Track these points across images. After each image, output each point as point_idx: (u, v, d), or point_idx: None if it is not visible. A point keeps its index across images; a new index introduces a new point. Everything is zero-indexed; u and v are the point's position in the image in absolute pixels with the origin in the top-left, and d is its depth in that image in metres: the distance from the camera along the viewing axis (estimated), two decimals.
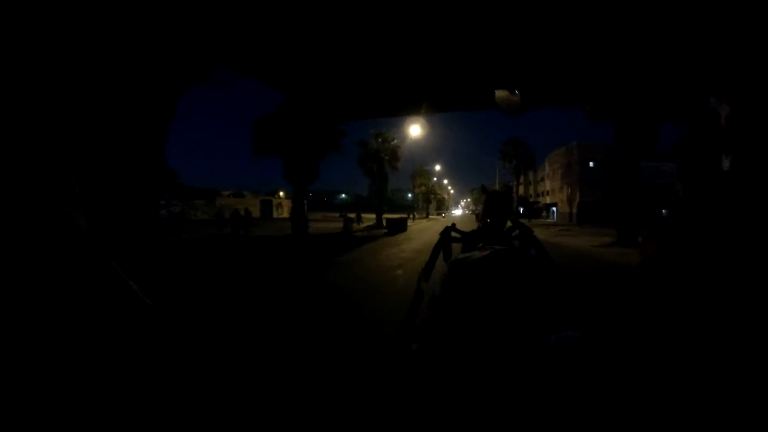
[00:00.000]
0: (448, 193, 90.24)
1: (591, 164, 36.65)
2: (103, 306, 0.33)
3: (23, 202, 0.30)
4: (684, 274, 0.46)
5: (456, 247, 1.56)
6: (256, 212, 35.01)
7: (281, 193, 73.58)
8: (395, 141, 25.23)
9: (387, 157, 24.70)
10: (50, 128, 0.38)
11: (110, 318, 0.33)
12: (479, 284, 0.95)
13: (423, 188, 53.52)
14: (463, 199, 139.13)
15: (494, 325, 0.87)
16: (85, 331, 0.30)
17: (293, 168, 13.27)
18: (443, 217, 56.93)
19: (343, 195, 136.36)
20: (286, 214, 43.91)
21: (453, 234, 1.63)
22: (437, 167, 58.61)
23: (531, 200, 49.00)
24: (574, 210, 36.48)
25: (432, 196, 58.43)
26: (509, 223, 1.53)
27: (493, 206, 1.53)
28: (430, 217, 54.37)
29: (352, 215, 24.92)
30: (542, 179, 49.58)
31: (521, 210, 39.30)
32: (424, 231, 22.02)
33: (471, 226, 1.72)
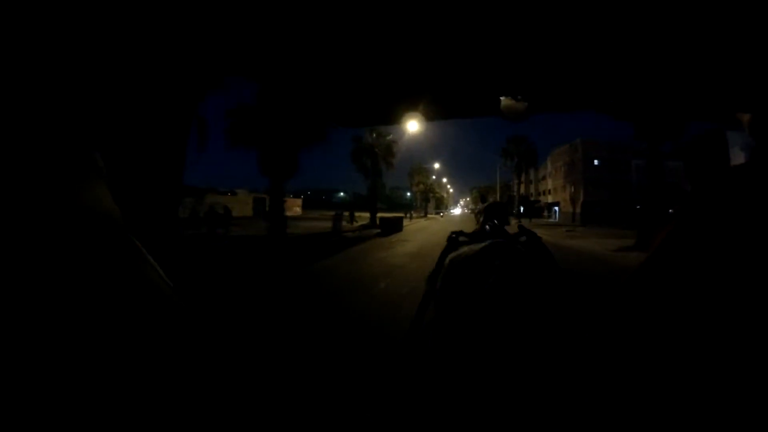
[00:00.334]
0: (448, 192, 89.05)
1: (596, 162, 35.36)
2: (131, 290, 0.33)
3: (49, 180, 0.29)
4: (695, 270, 0.44)
5: None
6: (248, 211, 33.62)
7: None
8: (391, 136, 23.76)
9: (381, 153, 23.16)
10: (78, 113, 0.38)
11: (137, 303, 0.33)
12: (475, 275, 0.95)
13: (421, 186, 52.28)
14: (462, 198, 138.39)
15: (493, 317, 0.86)
16: (111, 316, 0.29)
17: (270, 161, 11.70)
18: (441, 216, 55.40)
19: (342, 193, 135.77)
20: None
21: (461, 239, 1.57)
22: (436, 165, 57.45)
23: (532, 199, 47.83)
24: (578, 210, 35.26)
25: (431, 194, 57.14)
26: (516, 228, 1.57)
27: (492, 214, 1.66)
28: (429, 216, 53.02)
29: (345, 213, 23.53)
30: (543, 178, 48.32)
31: (521, 209, 38.12)
32: (420, 231, 20.55)
33: (471, 225, 1.79)
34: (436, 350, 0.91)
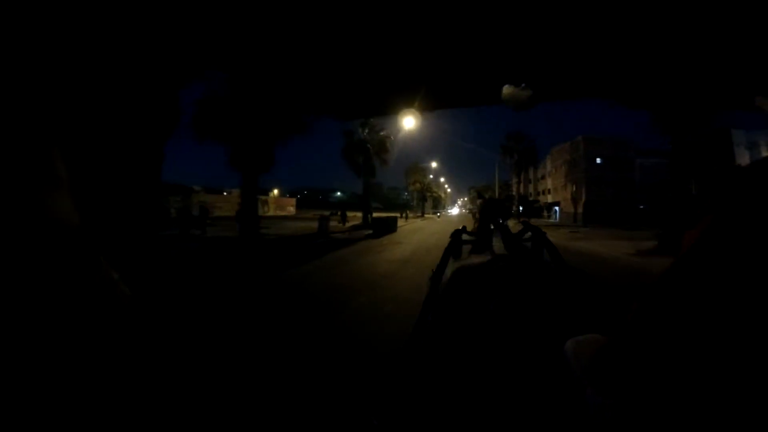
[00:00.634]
0: (445, 192, 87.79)
1: (598, 160, 34.23)
2: (87, 302, 0.32)
3: None
4: (735, 273, 0.41)
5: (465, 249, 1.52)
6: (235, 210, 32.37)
7: (275, 191, 71.49)
8: (384, 131, 22.43)
9: (374, 149, 21.81)
10: (37, 111, 0.35)
11: (93, 314, 0.32)
12: (479, 290, 0.96)
13: (418, 186, 51.10)
14: (460, 198, 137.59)
15: (495, 331, 0.87)
16: (65, 328, 0.29)
17: (241, 153, 10.27)
18: (439, 217, 53.89)
19: (339, 193, 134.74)
20: (272, 212, 41.31)
21: (464, 237, 1.58)
22: (433, 164, 56.24)
23: (531, 199, 46.73)
24: (580, 210, 34.15)
25: (428, 194, 55.90)
26: (520, 226, 1.54)
27: (489, 209, 1.62)
28: (426, 216, 51.69)
29: (329, 213, 22.22)
30: (543, 177, 47.18)
31: (520, 209, 36.95)
32: (415, 232, 19.24)
33: (469, 226, 1.74)
34: (435, 356, 0.91)
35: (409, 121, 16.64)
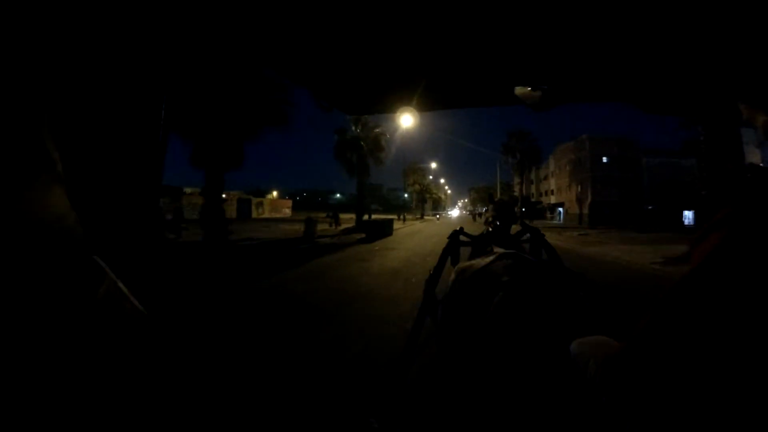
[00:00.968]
0: (445, 193, 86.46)
1: (604, 160, 32.95)
2: (83, 305, 0.31)
3: None
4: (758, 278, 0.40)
5: (464, 251, 1.53)
6: (232, 212, 31.14)
7: (274, 193, 70.19)
8: (379, 128, 21.16)
9: (368, 147, 20.51)
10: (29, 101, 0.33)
11: (90, 318, 0.32)
12: (486, 290, 0.94)
13: (417, 187, 49.84)
14: (460, 199, 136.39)
15: (504, 331, 0.86)
16: (59, 332, 0.29)
17: (205, 149, 8.93)
18: (438, 219, 52.45)
19: (338, 195, 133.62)
20: (267, 214, 40.02)
21: (462, 238, 1.60)
22: (433, 165, 54.98)
23: (533, 200, 45.43)
24: (585, 211, 32.87)
25: (427, 195, 54.58)
26: (519, 227, 1.48)
27: (502, 213, 1.59)
28: (425, 218, 50.32)
29: (326, 215, 20.93)
30: (546, 177, 45.88)
31: (522, 210, 35.67)
32: (412, 236, 17.93)
33: (470, 227, 1.80)
34: (443, 358, 0.89)
35: (406, 120, 15.44)
